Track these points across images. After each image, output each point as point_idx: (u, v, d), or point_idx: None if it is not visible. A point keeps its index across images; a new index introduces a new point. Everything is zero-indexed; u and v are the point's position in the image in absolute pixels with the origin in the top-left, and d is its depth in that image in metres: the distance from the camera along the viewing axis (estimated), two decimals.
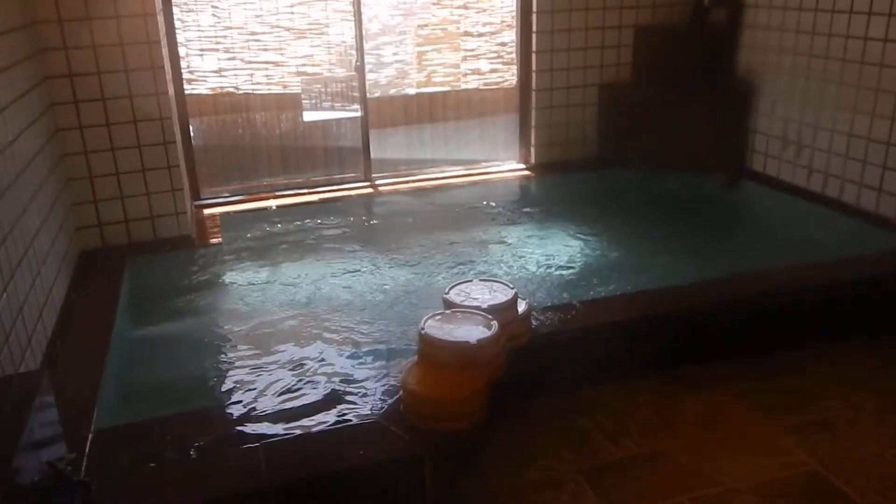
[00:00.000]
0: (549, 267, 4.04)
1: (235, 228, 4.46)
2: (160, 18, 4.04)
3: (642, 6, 5.29)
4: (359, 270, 3.97)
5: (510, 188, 5.29)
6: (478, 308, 2.59)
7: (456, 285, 2.79)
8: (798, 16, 4.49)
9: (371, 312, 3.47)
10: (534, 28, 5.16)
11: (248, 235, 4.39)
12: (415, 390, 2.33)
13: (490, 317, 2.52)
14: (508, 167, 5.49)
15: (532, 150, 5.44)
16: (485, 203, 5.02)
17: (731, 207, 4.88)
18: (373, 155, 5.19)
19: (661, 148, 5.20)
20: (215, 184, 4.97)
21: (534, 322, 2.91)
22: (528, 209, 5.02)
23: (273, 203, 4.86)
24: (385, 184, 5.20)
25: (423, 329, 2.45)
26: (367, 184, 5.19)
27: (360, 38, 4.94)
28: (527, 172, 5.42)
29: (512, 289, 2.74)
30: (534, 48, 5.21)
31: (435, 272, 3.94)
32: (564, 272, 3.97)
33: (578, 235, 4.47)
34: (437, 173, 5.35)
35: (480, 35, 5.28)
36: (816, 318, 3.29)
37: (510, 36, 5.33)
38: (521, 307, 2.79)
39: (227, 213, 4.71)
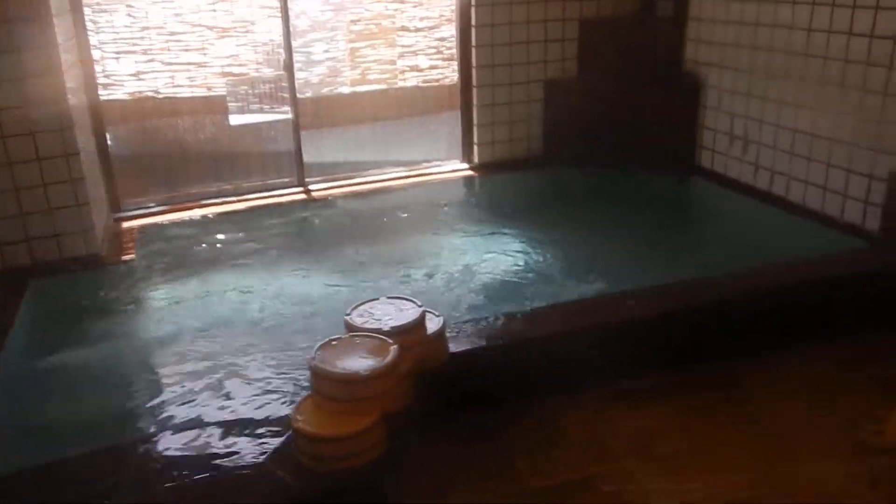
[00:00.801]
0: (491, 274, 3.84)
1: (155, 242, 4.19)
2: (60, 21, 3.75)
3: None
4: (285, 285, 3.73)
5: (453, 190, 5.07)
6: (379, 331, 2.37)
7: (359, 305, 2.57)
8: (741, 7, 4.31)
9: (293, 334, 3.22)
10: (473, 22, 4.94)
11: (168, 250, 4.13)
12: (302, 428, 2.11)
13: (391, 341, 2.30)
14: (451, 167, 5.27)
15: (475, 149, 5.23)
16: (425, 206, 4.81)
17: (679, 206, 4.71)
18: (306, 159, 4.94)
19: (609, 145, 5.01)
20: (138, 194, 4.69)
21: (451, 339, 2.70)
22: (470, 212, 4.82)
23: (199, 213, 4.60)
24: (320, 189, 4.95)
25: (312, 358, 2.22)
26: (301, 189, 4.94)
27: (287, 35, 4.68)
28: (470, 172, 5.20)
29: (420, 306, 2.52)
30: (474, 43, 4.99)
31: (368, 284, 3.71)
32: (506, 279, 3.78)
33: (522, 239, 4.28)
34: (376, 176, 5.11)
35: (418, 30, 5.05)
36: (768, 324, 3.10)
37: (449, 30, 5.11)
38: (435, 325, 2.58)
39: (149, 225, 4.44)
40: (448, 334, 2.71)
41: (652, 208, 4.61)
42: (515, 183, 5.07)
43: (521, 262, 3.98)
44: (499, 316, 2.97)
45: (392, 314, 2.49)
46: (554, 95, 5.17)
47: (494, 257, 4.02)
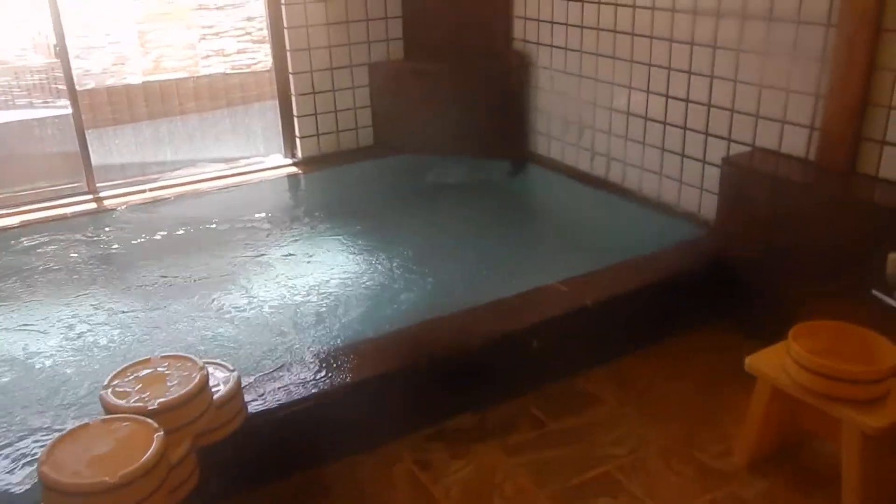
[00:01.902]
0: (316, 297, 3.35)
1: None
2: None
3: None
4: (52, 333, 3.05)
5: (273, 190, 4.52)
6: (142, 410, 1.87)
7: (121, 372, 2.04)
8: None
9: (43, 411, 2.57)
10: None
11: None
12: None
13: (155, 426, 1.81)
14: (272, 164, 4.70)
15: (298, 142, 4.70)
16: (242, 212, 4.23)
17: (513, 198, 4.42)
18: (94, 161, 4.21)
19: (440, 132, 4.66)
20: None
21: (250, 396, 2.24)
22: (294, 216, 4.29)
23: None
24: (114, 196, 4.24)
25: (42, 462, 1.69)
26: (90, 197, 4.21)
27: (56, 14, 3.90)
28: (294, 169, 4.67)
29: (201, 368, 2.03)
30: (285, 24, 4.42)
31: (163, 324, 3.12)
32: (334, 304, 3.30)
33: (352, 248, 3.85)
34: (182, 178, 4.45)
35: (220, 8, 4.42)
36: (599, 336, 2.89)
37: (258, 8, 4.51)
38: (226, 385, 2.10)
39: None
40: (248, 389, 2.27)
41: (485, 201, 4.32)
42: (344, 179, 4.61)
43: (352, 279, 3.54)
44: (307, 360, 2.54)
45: (165, 382, 1.98)
46: (380, 80, 4.73)
47: (320, 275, 3.55)
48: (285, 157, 4.77)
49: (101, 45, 4.11)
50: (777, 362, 2.14)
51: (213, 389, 2.05)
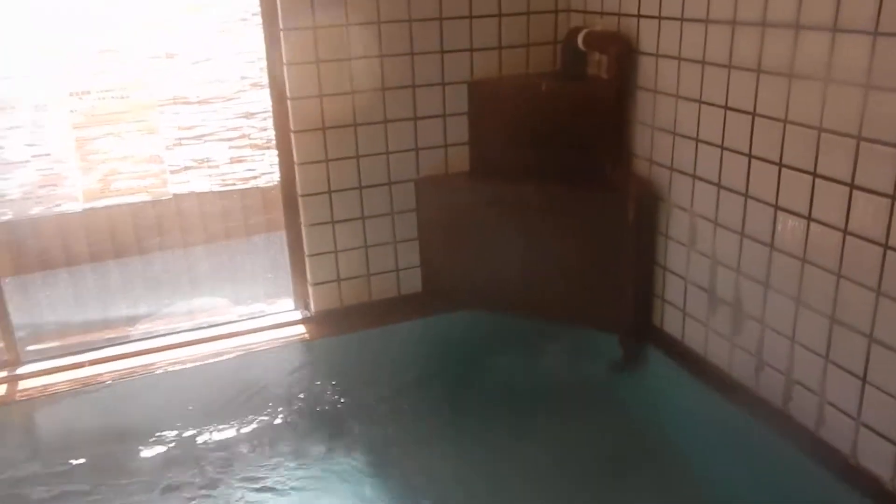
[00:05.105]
0: None
1: None
2: None
3: (479, 48, 3.18)
4: None
5: (270, 370, 3.07)
6: None
7: None
8: (727, 77, 2.42)
9: None
10: (287, 91, 3.01)
11: None
12: None
13: None
14: (274, 321, 3.29)
15: (310, 290, 3.28)
16: (207, 413, 2.90)
17: (615, 418, 2.77)
18: (16, 319, 2.97)
19: (518, 283, 3.13)
20: None
21: None
22: (288, 421, 2.91)
23: None
24: (41, 372, 2.96)
25: None
26: (5, 374, 2.97)
27: None
28: (301, 330, 3.23)
29: None
30: (292, 126, 3.05)
31: None
32: None
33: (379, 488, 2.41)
34: (139, 346, 3.12)
35: (204, 101, 3.10)
36: None
37: (262, 101, 3.16)
38: None
39: None
40: None
41: (571, 420, 2.73)
42: (375, 350, 3.14)
43: None
44: None
45: None
46: (433, 204, 3.25)
47: None
48: (296, 308, 3.37)
49: (21, 161, 2.87)
50: None
51: None
